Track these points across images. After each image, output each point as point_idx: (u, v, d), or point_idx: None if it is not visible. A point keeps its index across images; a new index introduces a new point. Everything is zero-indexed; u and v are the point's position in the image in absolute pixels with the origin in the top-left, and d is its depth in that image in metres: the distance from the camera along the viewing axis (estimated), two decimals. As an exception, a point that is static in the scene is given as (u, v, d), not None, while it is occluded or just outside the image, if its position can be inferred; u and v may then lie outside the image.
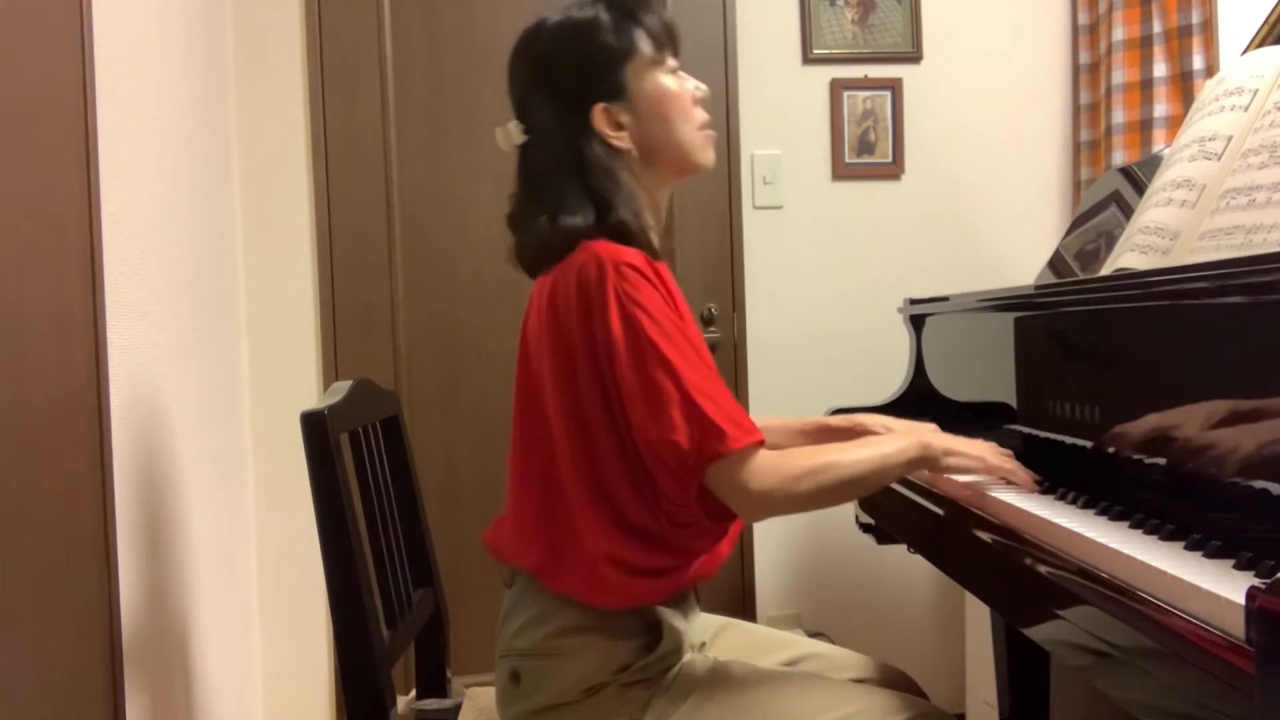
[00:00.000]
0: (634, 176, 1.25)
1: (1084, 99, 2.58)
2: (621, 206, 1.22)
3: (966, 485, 1.30)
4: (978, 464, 1.26)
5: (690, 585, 1.27)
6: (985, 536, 1.17)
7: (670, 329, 1.14)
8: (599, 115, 1.24)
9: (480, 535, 1.33)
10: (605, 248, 1.17)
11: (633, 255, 1.17)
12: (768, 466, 1.14)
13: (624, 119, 1.25)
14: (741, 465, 1.12)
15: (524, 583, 1.25)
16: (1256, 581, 0.76)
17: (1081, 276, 1.68)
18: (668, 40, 1.28)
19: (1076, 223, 1.81)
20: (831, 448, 1.20)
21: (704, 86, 1.32)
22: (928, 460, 1.23)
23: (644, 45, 1.26)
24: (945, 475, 1.32)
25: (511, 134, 1.28)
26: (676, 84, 1.28)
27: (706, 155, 1.31)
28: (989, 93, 2.60)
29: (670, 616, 1.23)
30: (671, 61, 1.29)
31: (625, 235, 1.21)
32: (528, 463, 1.25)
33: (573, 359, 1.18)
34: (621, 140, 1.25)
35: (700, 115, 1.30)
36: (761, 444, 1.14)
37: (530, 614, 1.22)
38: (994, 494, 1.22)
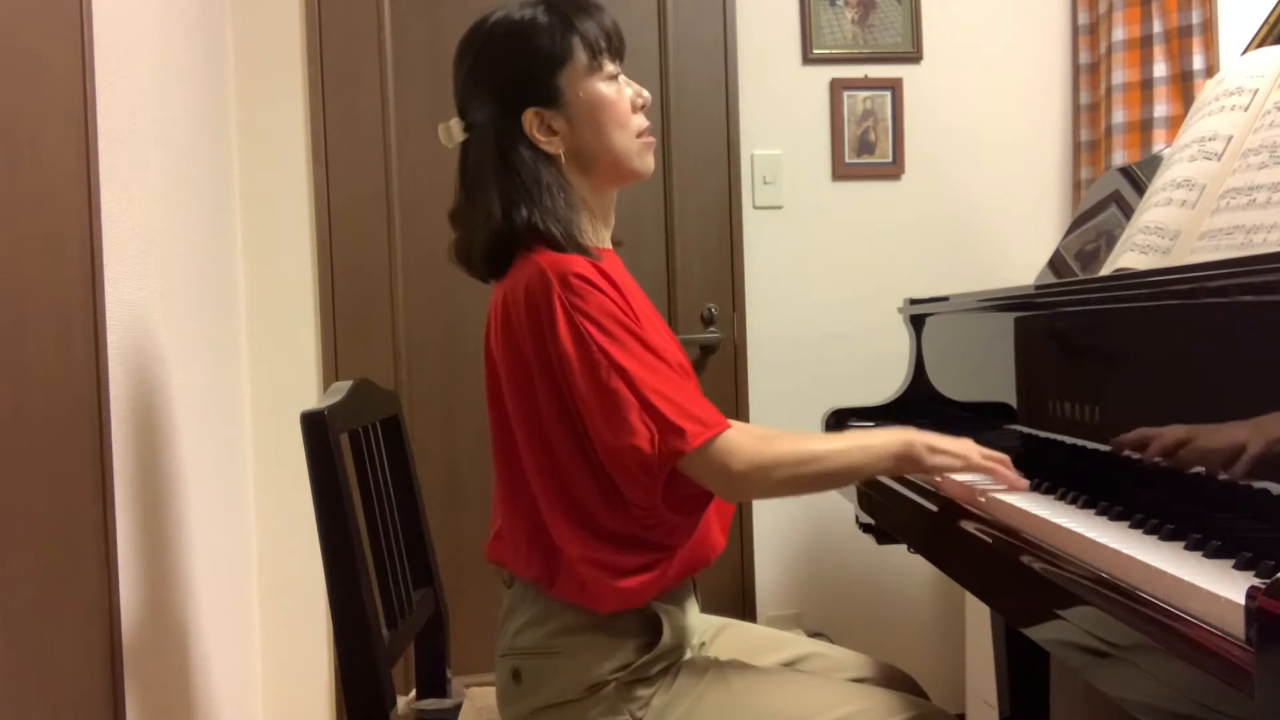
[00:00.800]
0: (565, 181, 1.24)
1: (1084, 99, 2.58)
2: (541, 210, 1.20)
3: (966, 485, 1.29)
4: (960, 462, 1.23)
5: (683, 578, 1.26)
6: (985, 536, 1.17)
7: (620, 333, 1.14)
8: (530, 119, 1.23)
9: (480, 536, 1.33)
10: (548, 259, 1.17)
11: (578, 264, 1.16)
12: (746, 449, 1.14)
13: (556, 124, 1.24)
14: (713, 453, 1.12)
15: (524, 584, 1.25)
16: (1256, 581, 0.76)
17: (1081, 276, 1.68)
18: (606, 46, 1.26)
19: (1076, 223, 1.81)
20: (816, 437, 1.22)
21: (646, 93, 1.30)
22: (911, 457, 1.20)
23: (580, 51, 1.24)
24: (934, 475, 1.31)
25: (453, 131, 1.29)
26: (614, 90, 1.26)
27: (643, 162, 1.29)
28: (989, 93, 2.60)
29: (670, 614, 1.23)
30: (611, 67, 1.27)
31: (549, 240, 1.20)
32: (507, 477, 1.26)
33: (529, 375, 1.18)
34: (551, 145, 1.24)
35: (639, 122, 1.29)
36: (725, 431, 1.14)
37: (531, 614, 1.23)
38: (993, 494, 1.22)
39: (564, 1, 1.26)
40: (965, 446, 1.25)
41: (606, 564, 1.18)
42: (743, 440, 1.14)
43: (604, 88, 1.26)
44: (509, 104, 1.24)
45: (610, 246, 1.33)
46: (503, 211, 1.21)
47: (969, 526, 1.23)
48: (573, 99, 1.24)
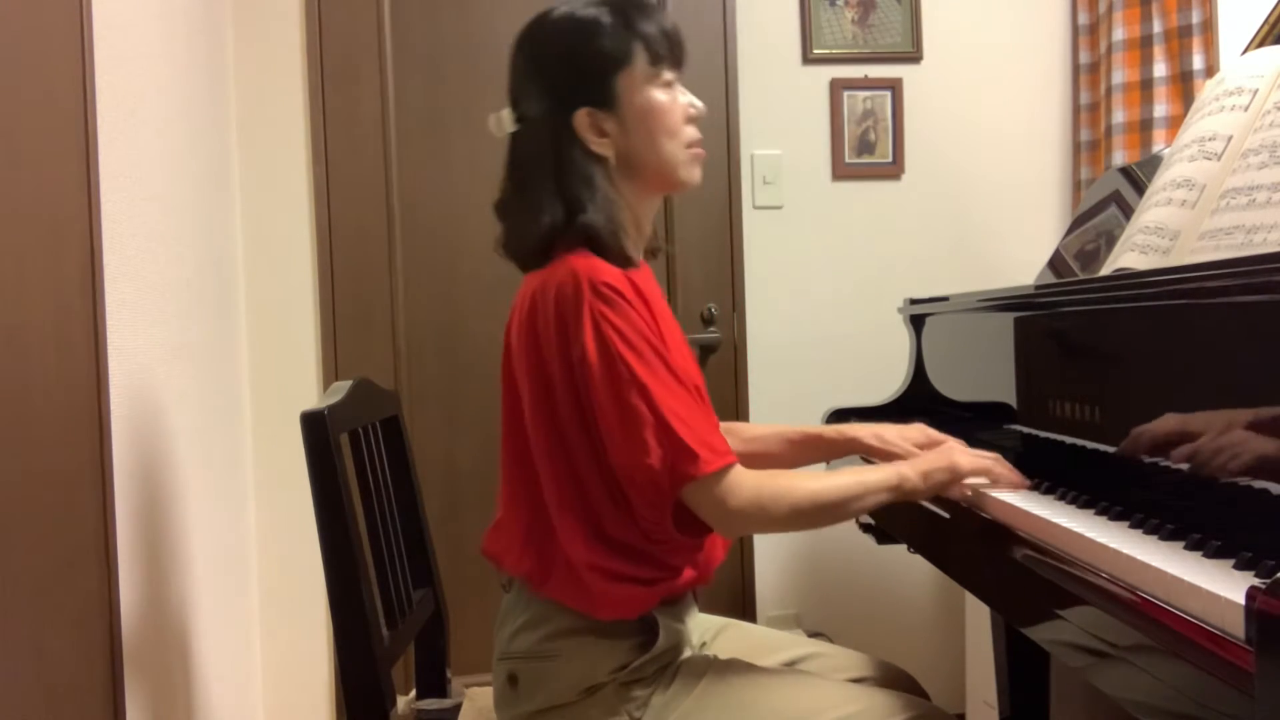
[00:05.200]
0: (612, 184, 1.24)
1: (1084, 99, 2.58)
2: (592, 210, 1.20)
3: (965, 485, 1.29)
4: (952, 477, 1.24)
5: (683, 591, 1.27)
6: (985, 536, 1.17)
7: (645, 350, 1.14)
8: (582, 119, 1.23)
9: (480, 536, 1.33)
10: (584, 264, 1.16)
11: (611, 274, 1.16)
12: (747, 486, 1.15)
13: (608, 126, 1.24)
14: (717, 485, 1.14)
15: (521, 586, 1.25)
16: (1256, 581, 0.76)
17: (1081, 276, 1.68)
18: (667, 53, 1.26)
19: (1076, 223, 1.81)
20: (813, 476, 1.22)
21: (700, 104, 1.30)
22: (905, 490, 1.21)
23: (640, 56, 1.24)
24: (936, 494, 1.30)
25: (504, 121, 1.28)
26: (668, 98, 1.26)
27: (690, 174, 1.29)
28: (989, 93, 2.60)
29: (667, 615, 1.23)
30: (668, 74, 1.26)
31: (595, 240, 1.20)
32: (514, 472, 1.25)
33: (549, 378, 1.18)
34: (602, 147, 1.24)
35: (690, 133, 1.28)
36: (734, 464, 1.15)
37: (526, 617, 1.22)
38: (993, 494, 1.22)
39: (629, 3, 1.26)
40: (955, 457, 1.25)
41: (610, 571, 1.18)
42: (748, 476, 1.16)
43: (659, 95, 1.25)
44: (564, 101, 1.23)
45: (642, 258, 1.32)
46: (554, 208, 1.21)
47: (969, 526, 1.23)
48: (627, 103, 1.24)
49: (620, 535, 1.18)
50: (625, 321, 1.14)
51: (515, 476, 1.25)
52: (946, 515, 1.31)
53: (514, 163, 1.28)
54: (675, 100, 1.27)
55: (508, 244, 1.29)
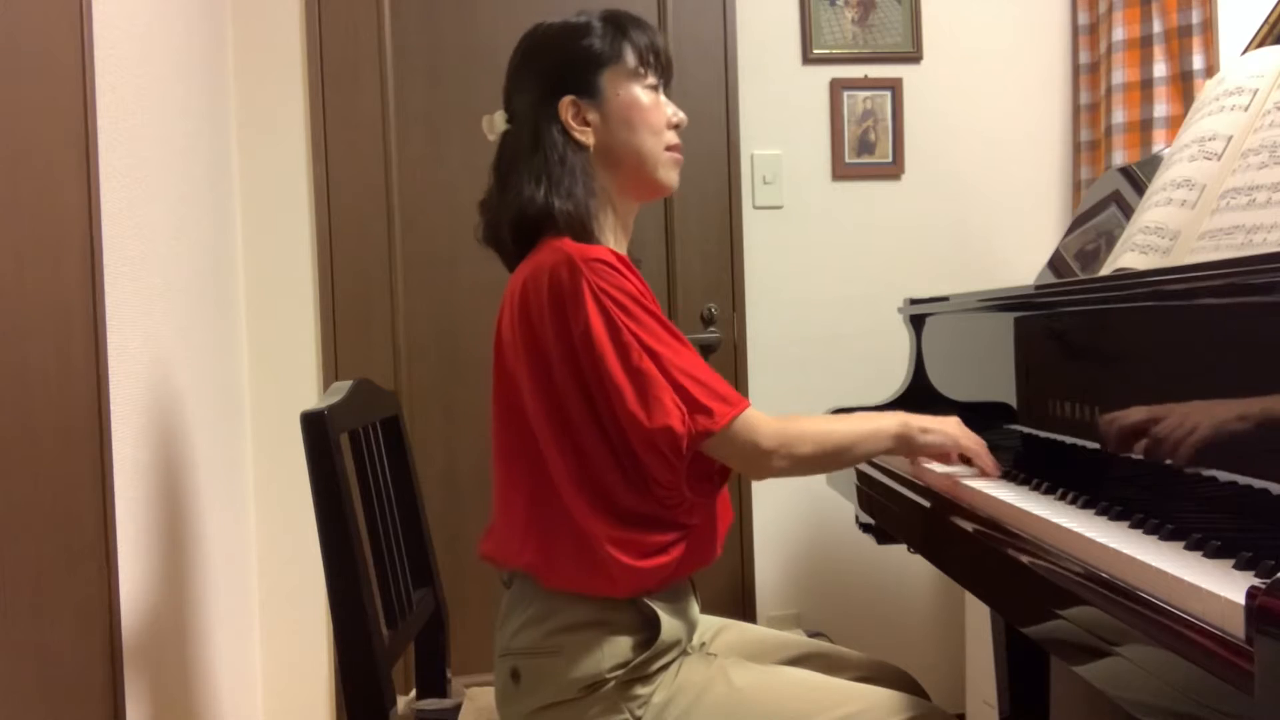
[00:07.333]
0: (591, 171, 1.28)
1: (1084, 99, 2.58)
2: (562, 192, 1.24)
3: (966, 484, 1.30)
4: (949, 440, 1.32)
5: (688, 571, 1.27)
6: (985, 536, 1.17)
7: (644, 317, 1.18)
8: (566, 106, 1.28)
9: (479, 537, 1.33)
10: (574, 246, 1.19)
11: (602, 251, 1.19)
12: (771, 427, 1.20)
13: (590, 116, 1.29)
14: (742, 431, 1.18)
15: (523, 582, 1.25)
16: (1256, 581, 0.76)
17: (1081, 276, 1.68)
18: (654, 62, 1.32)
19: (1076, 223, 1.81)
20: (827, 419, 1.29)
21: (683, 115, 1.35)
22: (906, 437, 1.29)
23: (628, 57, 1.30)
24: (928, 453, 1.35)
25: (496, 122, 1.34)
26: (651, 99, 1.32)
27: (668, 175, 1.33)
28: (989, 93, 2.60)
29: (668, 611, 1.23)
30: (653, 79, 1.32)
31: (568, 225, 1.23)
32: (513, 464, 1.26)
33: (547, 360, 1.19)
34: (584, 135, 1.28)
35: (670, 137, 1.33)
36: (749, 409, 1.20)
37: (529, 613, 1.23)
38: (994, 494, 1.22)
39: (623, 15, 1.33)
40: (952, 426, 1.33)
41: (628, 542, 1.19)
42: (766, 419, 1.20)
43: (642, 93, 1.31)
44: (550, 91, 1.29)
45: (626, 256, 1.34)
46: (527, 189, 1.25)
47: (969, 526, 1.23)
48: (610, 96, 1.29)
49: (633, 506, 1.20)
50: (621, 291, 1.17)
51: (511, 469, 1.26)
52: (945, 515, 1.31)
53: (500, 159, 1.33)
54: (658, 103, 1.33)
55: (488, 234, 1.33)
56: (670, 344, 1.18)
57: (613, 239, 1.31)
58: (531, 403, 1.21)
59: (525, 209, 1.25)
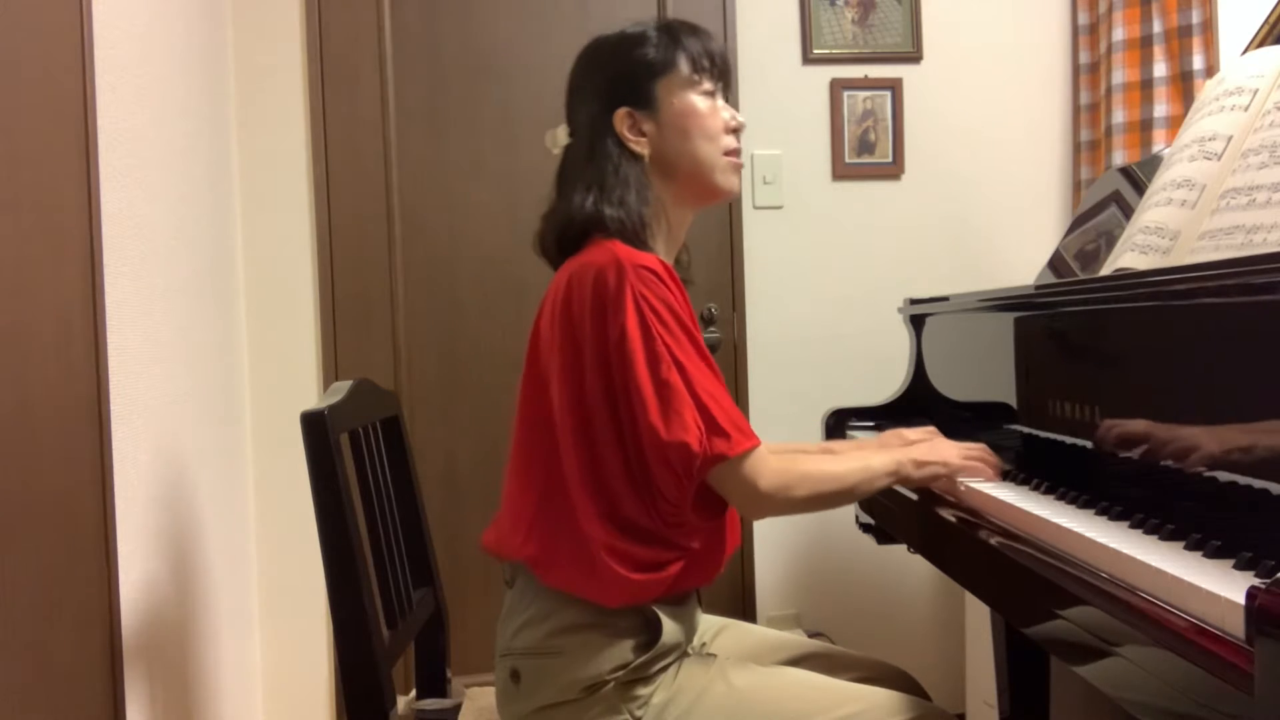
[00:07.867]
0: (646, 182, 1.29)
1: (1084, 99, 2.58)
2: (614, 201, 1.25)
3: (965, 485, 1.30)
4: (945, 469, 1.33)
5: (688, 587, 1.27)
6: (985, 536, 1.17)
7: (680, 334, 1.18)
8: (621, 118, 1.29)
9: (480, 537, 1.33)
10: (624, 250, 1.20)
11: (649, 259, 1.20)
12: (773, 468, 1.20)
13: (646, 126, 1.30)
14: (746, 465, 1.18)
15: (524, 581, 1.25)
16: (1256, 581, 0.76)
17: (1081, 276, 1.68)
18: (709, 67, 1.32)
19: (1076, 223, 1.81)
20: (826, 459, 1.31)
21: (741, 118, 1.35)
22: (901, 475, 1.30)
23: (682, 65, 1.30)
24: (928, 485, 1.36)
25: (558, 136, 1.36)
26: (707, 105, 1.32)
27: (727, 179, 1.34)
28: (989, 93, 2.60)
29: (669, 613, 1.23)
30: (709, 85, 1.32)
31: (626, 229, 1.24)
32: (530, 456, 1.26)
33: (581, 355, 1.20)
34: (639, 145, 1.29)
35: (729, 142, 1.33)
36: (760, 446, 1.19)
37: (530, 613, 1.23)
38: (994, 494, 1.22)
39: (677, 23, 1.33)
40: (945, 453, 1.34)
41: (625, 554, 1.19)
42: (772, 460, 1.20)
43: (698, 100, 1.31)
44: (606, 103, 1.30)
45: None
46: (577, 198, 1.27)
47: (969, 526, 1.23)
48: (666, 106, 1.30)
49: (635, 517, 1.20)
50: (663, 303, 1.18)
51: (528, 463, 1.26)
52: (946, 515, 1.31)
53: (560, 171, 1.34)
54: (715, 108, 1.33)
55: (541, 240, 1.34)
56: (699, 365, 1.18)
57: (663, 248, 1.32)
58: (558, 396, 1.21)
59: (574, 215, 1.26)
